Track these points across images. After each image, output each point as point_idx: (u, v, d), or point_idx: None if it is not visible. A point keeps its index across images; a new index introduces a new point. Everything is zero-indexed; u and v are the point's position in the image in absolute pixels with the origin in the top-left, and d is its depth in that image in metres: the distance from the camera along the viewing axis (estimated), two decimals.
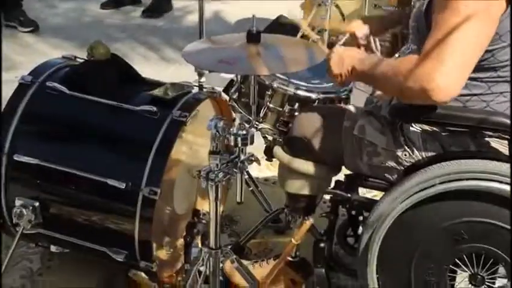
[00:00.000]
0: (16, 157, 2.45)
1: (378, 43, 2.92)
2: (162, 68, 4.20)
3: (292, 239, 2.38)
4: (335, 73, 2.25)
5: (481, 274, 2.12)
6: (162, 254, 2.48)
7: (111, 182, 2.35)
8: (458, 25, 1.89)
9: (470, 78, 2.00)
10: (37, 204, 2.46)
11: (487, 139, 2.18)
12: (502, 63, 2.06)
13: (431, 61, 1.91)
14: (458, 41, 1.89)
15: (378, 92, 2.51)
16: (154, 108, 2.44)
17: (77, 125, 2.55)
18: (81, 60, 2.78)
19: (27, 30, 5.74)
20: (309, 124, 2.44)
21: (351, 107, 2.45)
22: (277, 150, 2.50)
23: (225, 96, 2.78)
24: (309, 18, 4.20)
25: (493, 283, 2.12)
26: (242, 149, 2.15)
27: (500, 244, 2.06)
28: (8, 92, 2.60)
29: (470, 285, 2.15)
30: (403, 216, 2.15)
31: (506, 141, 2.14)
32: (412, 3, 2.67)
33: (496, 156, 2.13)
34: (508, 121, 2.04)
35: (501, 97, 2.13)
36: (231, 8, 5.36)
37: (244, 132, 2.10)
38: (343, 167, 2.50)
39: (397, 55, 3.00)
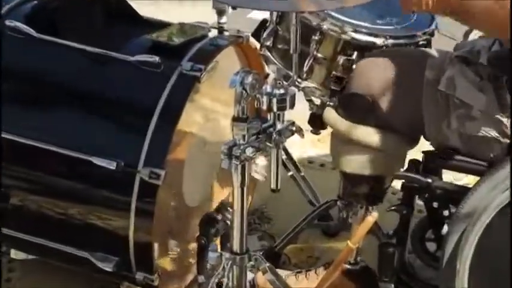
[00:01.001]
0: None
1: None
2: (167, 5, 4.01)
3: (349, 242, 2.26)
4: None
5: None
6: (167, 262, 2.47)
7: (97, 161, 2.32)
8: None
9: None
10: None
11: None
12: None
13: None
14: None
15: (475, 34, 2.40)
16: (156, 58, 2.39)
17: (49, 82, 2.51)
18: None
19: None
20: (374, 77, 2.42)
21: (434, 52, 2.37)
22: (330, 114, 2.47)
23: (255, 43, 2.72)
24: None
25: None
26: (279, 114, 2.09)
27: None
28: None
29: None
30: (507, 211, 2.07)
31: None
32: None
33: None
34: None
35: None
36: None
37: (281, 91, 2.03)
38: (422, 139, 2.43)
39: None
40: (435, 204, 2.42)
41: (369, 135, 2.39)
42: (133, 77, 2.40)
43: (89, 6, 2.66)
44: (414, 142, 2.49)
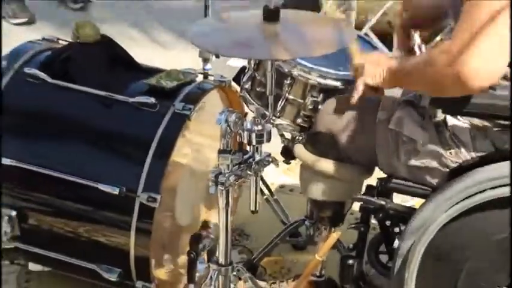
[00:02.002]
0: None
1: (417, 38, 2.97)
2: (157, 54, 4.16)
3: (316, 255, 2.39)
4: (369, 71, 2.30)
5: None
6: (162, 272, 2.51)
7: (102, 187, 2.39)
8: (496, 9, 1.98)
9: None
10: (14, 213, 2.50)
11: None
12: None
13: (465, 43, 2.00)
14: (494, 24, 1.98)
15: None
16: (153, 100, 2.48)
17: (61, 120, 2.59)
18: (65, 43, 2.79)
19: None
20: (336, 117, 2.47)
21: (386, 97, 2.43)
22: (299, 149, 2.53)
23: (236, 86, 2.78)
24: None
25: None
26: (257, 147, 2.18)
27: None
28: None
29: None
30: (448, 227, 2.17)
31: None
32: None
33: None
34: None
35: None
36: None
37: (259, 127, 2.14)
38: (376, 169, 2.52)
39: (439, 37, 3.06)
40: (387, 223, 2.47)
41: (331, 167, 2.44)
42: (133, 115, 2.48)
43: (94, 56, 2.69)
44: (370, 172, 2.55)
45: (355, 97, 2.32)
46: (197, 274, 2.39)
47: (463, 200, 2.13)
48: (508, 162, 2.14)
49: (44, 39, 2.80)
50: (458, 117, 2.28)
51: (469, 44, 1.99)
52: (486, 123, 2.25)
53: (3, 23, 5.41)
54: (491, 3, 1.98)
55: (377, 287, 2.51)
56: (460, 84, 2.00)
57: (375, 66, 2.29)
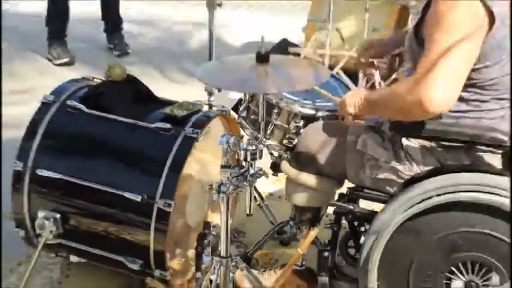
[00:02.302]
0: (39, 172, 2.49)
1: (378, 76, 2.99)
2: (172, 89, 4.16)
3: (298, 249, 2.40)
4: (349, 102, 2.30)
5: (476, 281, 2.15)
6: (175, 263, 2.51)
7: (128, 195, 2.40)
8: (451, 45, 2.00)
9: (461, 97, 2.11)
10: (58, 216, 2.50)
11: (480, 153, 2.21)
12: (490, 81, 2.15)
13: (427, 76, 2.00)
14: (450, 59, 1.99)
15: None
16: (168, 125, 2.48)
17: (96, 141, 2.59)
18: (99, 81, 2.81)
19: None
20: (314, 139, 2.48)
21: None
22: (284, 165, 2.54)
23: (234, 114, 2.78)
24: (310, 42, 4.28)
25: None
26: (251, 163, 2.20)
27: (494, 253, 2.10)
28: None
29: None
30: (402, 227, 2.19)
31: (499, 155, 2.18)
32: (408, 24, 2.76)
33: (490, 169, 2.19)
34: (503, 137, 2.11)
35: (491, 113, 2.20)
36: (234, 33, 5.42)
37: (253, 147, 2.18)
38: (346, 181, 2.52)
39: (394, 75, 3.08)
40: (355, 223, 2.52)
41: (310, 179, 2.46)
42: (153, 138, 2.50)
43: (122, 91, 2.72)
44: (341, 183, 2.55)
45: (347, 123, 2.35)
46: (203, 265, 2.40)
47: (414, 205, 2.16)
48: (450, 175, 2.17)
49: (83, 78, 2.82)
50: (411, 139, 2.30)
51: (427, 76, 2.01)
52: (432, 144, 2.27)
53: (48, 63, 5.40)
54: (447, 43, 2.01)
55: (347, 275, 2.48)
56: (420, 110, 2.01)
57: (354, 98, 2.29)
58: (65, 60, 5.55)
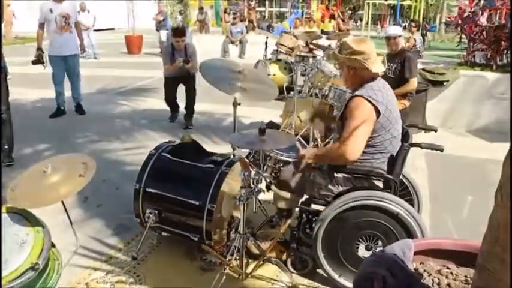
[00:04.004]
0: (147, 189, 2.50)
1: (318, 135, 3.08)
2: (214, 148, 4.09)
3: (280, 230, 2.37)
4: (306, 155, 2.32)
5: (371, 245, 2.21)
6: (216, 237, 2.45)
7: (192, 201, 2.39)
8: (357, 125, 2.09)
9: (363, 152, 2.16)
10: (156, 212, 2.48)
11: (372, 180, 2.28)
12: (378, 143, 2.20)
13: (346, 143, 2.09)
14: (358, 131, 2.08)
15: None
16: (213, 166, 2.48)
17: (175, 173, 2.57)
18: (177, 142, 2.83)
19: None
20: (288, 174, 2.43)
21: (308, 164, 2.42)
22: (273, 187, 2.50)
23: (246, 160, 2.78)
24: (284, 122, 4.34)
25: (376, 249, 2.17)
26: (256, 185, 2.24)
27: (379, 231, 2.17)
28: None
29: (365, 250, 2.21)
30: (335, 218, 2.21)
31: (381, 181, 2.25)
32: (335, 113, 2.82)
33: (377, 188, 2.26)
34: (383, 172, 2.22)
35: (378, 160, 2.24)
36: (244, 114, 5.49)
37: (257, 177, 2.27)
38: (305, 195, 2.49)
39: (331, 139, 3.13)
40: (310, 216, 2.48)
41: (285, 194, 2.42)
42: (205, 171, 2.47)
43: (190, 147, 2.77)
44: (302, 196, 2.49)
45: (301, 167, 2.36)
46: (231, 238, 2.49)
47: (341, 206, 2.21)
48: (357, 192, 2.20)
49: (169, 141, 2.83)
50: (338, 173, 2.30)
51: (346, 142, 2.10)
52: (349, 176, 2.29)
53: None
54: (355, 124, 2.09)
55: (306, 243, 2.43)
56: (343, 159, 2.10)
57: (309, 153, 2.31)
58: None
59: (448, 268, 1.56)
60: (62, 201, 1.77)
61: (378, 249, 2.11)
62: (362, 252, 2.17)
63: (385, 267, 1.40)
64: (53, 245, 1.79)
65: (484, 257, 1.25)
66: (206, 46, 11.12)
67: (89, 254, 2.52)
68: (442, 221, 3.04)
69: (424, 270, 1.55)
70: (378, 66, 2.16)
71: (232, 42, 11.49)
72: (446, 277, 1.51)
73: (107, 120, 5.55)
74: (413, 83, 4.27)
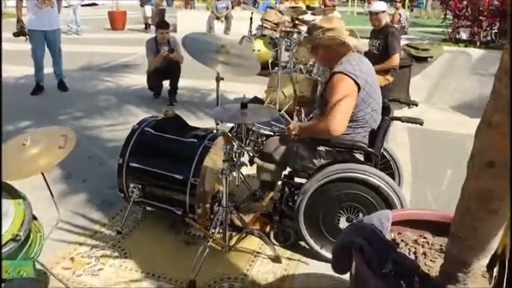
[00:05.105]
0: (130, 164, 2.49)
1: (303, 114, 3.06)
2: (198, 123, 4.08)
3: (263, 203, 2.40)
4: (292, 127, 2.31)
5: (352, 217, 2.21)
6: (199, 210, 2.46)
7: (175, 175, 2.39)
8: (340, 100, 2.07)
9: (347, 126, 2.15)
10: (140, 186, 2.48)
11: (354, 153, 2.28)
12: (360, 117, 2.19)
13: (329, 117, 2.08)
14: (341, 106, 2.07)
15: None
16: (196, 140, 2.47)
17: (159, 148, 2.56)
18: (160, 117, 2.78)
19: None
20: (272, 146, 2.43)
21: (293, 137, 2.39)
22: (256, 159, 2.49)
23: (229, 134, 2.78)
24: (268, 97, 4.31)
25: (356, 220, 2.17)
26: (238, 159, 2.24)
27: (360, 203, 2.17)
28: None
29: (346, 222, 2.21)
30: (316, 190, 2.21)
31: (362, 155, 2.26)
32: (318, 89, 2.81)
33: (358, 161, 2.26)
34: (364, 145, 2.19)
35: (359, 134, 2.23)
36: (229, 89, 5.43)
37: (239, 151, 2.25)
38: (287, 168, 2.48)
39: (311, 115, 3.12)
40: (292, 189, 2.49)
41: (270, 166, 2.41)
42: (188, 145, 2.46)
43: (173, 122, 2.73)
44: (285, 169, 2.48)
45: (290, 138, 2.32)
46: (215, 210, 2.46)
47: (323, 179, 2.20)
48: (339, 164, 2.20)
49: (152, 116, 2.78)
50: (321, 146, 2.30)
51: (331, 113, 2.08)
52: (331, 149, 2.28)
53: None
54: (338, 98, 2.07)
55: (288, 215, 2.44)
56: (327, 134, 2.09)
57: (293, 125, 2.31)
58: None
59: (424, 238, 1.60)
60: (42, 173, 1.73)
61: (357, 220, 2.11)
62: (343, 224, 2.17)
63: (363, 237, 1.42)
64: (34, 218, 1.77)
65: (457, 226, 1.29)
66: (191, 22, 10.89)
67: (74, 229, 2.52)
68: (422, 194, 3.08)
69: (402, 240, 1.58)
70: (351, 39, 2.16)
71: (218, 18, 11.27)
72: (422, 246, 1.55)
73: (90, 97, 5.47)
74: (395, 59, 4.25)
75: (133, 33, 11.61)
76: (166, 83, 5.30)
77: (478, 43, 6.57)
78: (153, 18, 11.32)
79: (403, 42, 5.24)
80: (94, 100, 5.27)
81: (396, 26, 7.28)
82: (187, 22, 11.21)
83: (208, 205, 2.53)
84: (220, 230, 2.28)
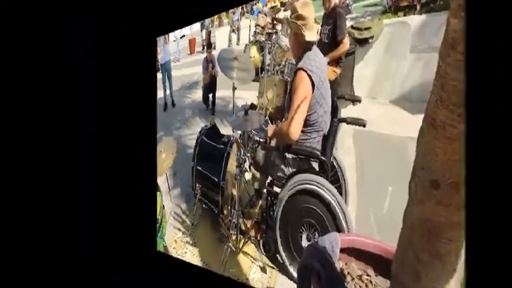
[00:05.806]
0: (197, 166, 2.21)
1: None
2: (225, 130, 3.17)
3: (256, 210, 2.06)
4: (270, 132, 1.79)
5: (310, 235, 1.67)
6: (225, 212, 2.10)
7: (214, 177, 2.10)
8: (299, 103, 1.57)
9: (302, 131, 1.64)
10: (200, 186, 2.25)
11: (311, 162, 1.74)
12: (313, 121, 1.67)
13: (289, 119, 1.58)
14: (298, 111, 1.56)
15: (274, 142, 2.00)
16: (223, 146, 2.15)
17: (207, 153, 2.17)
18: (208, 126, 2.39)
19: None
20: (260, 154, 1.91)
21: (271, 147, 1.89)
22: (251, 167, 2.10)
23: (239, 140, 2.32)
24: (258, 103, 3.25)
25: (314, 240, 1.68)
26: (243, 165, 1.92)
27: (315, 219, 1.62)
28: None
29: (306, 239, 1.66)
30: (287, 200, 1.69)
31: (317, 163, 1.71)
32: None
33: (314, 172, 1.68)
34: (318, 153, 1.63)
35: (314, 139, 1.70)
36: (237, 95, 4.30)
37: (244, 157, 2.03)
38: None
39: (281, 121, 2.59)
40: (272, 198, 1.89)
41: (257, 174, 1.94)
42: (220, 151, 2.09)
43: (214, 131, 2.28)
44: (268, 177, 1.86)
45: (268, 140, 1.85)
46: (232, 213, 2.03)
47: (291, 189, 1.67)
48: (300, 174, 1.64)
49: (205, 125, 2.36)
50: (288, 154, 1.78)
51: (290, 115, 1.58)
52: (296, 157, 1.77)
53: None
54: (297, 102, 1.53)
55: (270, 225, 1.85)
56: (287, 136, 1.58)
57: (272, 130, 1.79)
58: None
59: (368, 275, 1.06)
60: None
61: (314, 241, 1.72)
62: (304, 242, 1.70)
63: (318, 260, 1.05)
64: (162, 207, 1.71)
65: (398, 266, 0.73)
66: (223, 38, 8.98)
67: (175, 217, 2.41)
68: (365, 214, 2.20)
69: (348, 273, 1.08)
70: (311, 34, 1.60)
71: (234, 31, 9.00)
72: (366, 286, 1.01)
73: (182, 111, 4.95)
74: (346, 44, 2.74)
75: (198, 54, 10.67)
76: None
77: (419, 7, 4.06)
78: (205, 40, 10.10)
79: (348, 23, 3.40)
80: (184, 113, 5.14)
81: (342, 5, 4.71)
82: (220, 38, 9.77)
83: (229, 207, 2.30)
84: (233, 233, 2.00)
